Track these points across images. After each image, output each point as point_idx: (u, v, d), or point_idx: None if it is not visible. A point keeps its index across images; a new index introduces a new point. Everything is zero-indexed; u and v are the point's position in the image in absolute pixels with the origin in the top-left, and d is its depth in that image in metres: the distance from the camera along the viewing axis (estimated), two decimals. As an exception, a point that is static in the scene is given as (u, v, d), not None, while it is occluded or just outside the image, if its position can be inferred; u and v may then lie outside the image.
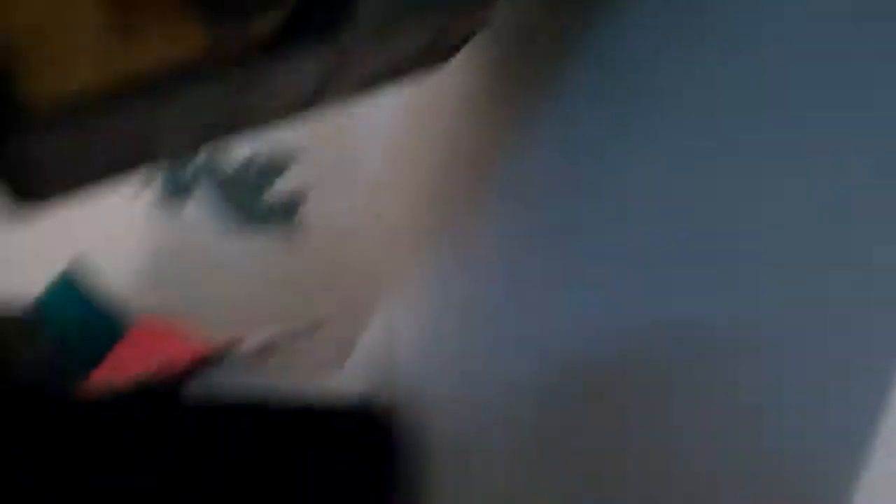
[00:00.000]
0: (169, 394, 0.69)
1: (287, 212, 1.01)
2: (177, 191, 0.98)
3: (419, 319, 0.74)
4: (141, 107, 0.34)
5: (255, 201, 1.00)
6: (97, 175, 0.40)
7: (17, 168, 0.35)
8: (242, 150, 0.97)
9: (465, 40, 0.44)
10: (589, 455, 0.43)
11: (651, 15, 0.41)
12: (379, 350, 0.81)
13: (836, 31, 0.30)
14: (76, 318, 0.90)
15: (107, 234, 1.04)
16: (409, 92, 0.53)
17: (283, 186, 0.99)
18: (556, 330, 0.47)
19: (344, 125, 0.91)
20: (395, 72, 0.44)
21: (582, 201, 0.45)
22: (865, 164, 0.28)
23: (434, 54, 0.44)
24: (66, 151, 0.35)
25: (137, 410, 0.61)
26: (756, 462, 0.31)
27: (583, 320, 0.44)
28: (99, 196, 0.45)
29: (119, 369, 0.83)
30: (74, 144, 0.35)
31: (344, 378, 0.80)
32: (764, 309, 0.31)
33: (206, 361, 0.71)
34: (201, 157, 0.96)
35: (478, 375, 0.59)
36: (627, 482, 0.39)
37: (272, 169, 0.99)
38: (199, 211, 1.00)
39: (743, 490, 0.32)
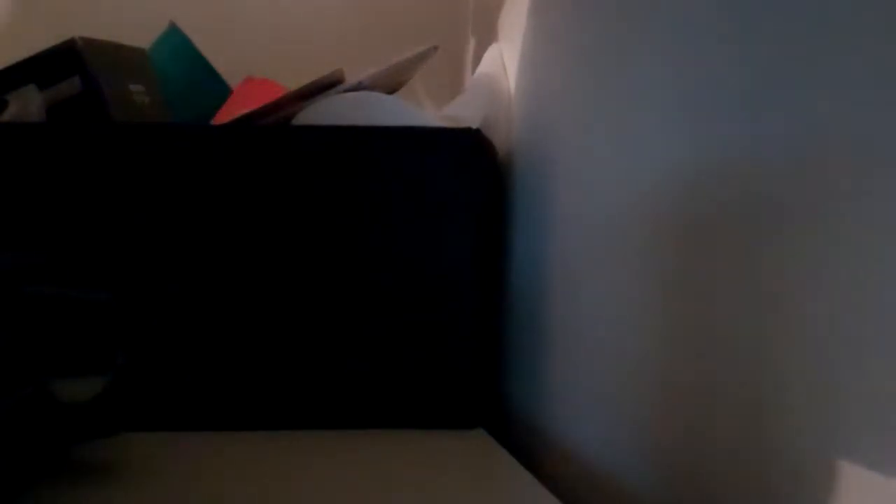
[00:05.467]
0: (280, 122, 0.73)
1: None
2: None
3: (528, 57, 0.75)
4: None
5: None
6: None
7: None
8: None
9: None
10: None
11: None
12: (490, 81, 0.82)
13: None
14: (182, 64, 0.92)
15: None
16: None
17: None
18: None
19: None
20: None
21: None
22: None
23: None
24: None
25: (253, 136, 0.66)
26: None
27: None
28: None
29: (231, 115, 0.87)
30: None
31: (456, 105, 0.82)
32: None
33: (313, 93, 0.74)
34: None
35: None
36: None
37: None
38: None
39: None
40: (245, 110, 0.83)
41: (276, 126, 0.69)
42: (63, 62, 0.74)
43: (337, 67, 0.76)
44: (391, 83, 0.80)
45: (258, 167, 0.67)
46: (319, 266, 0.67)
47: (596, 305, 0.56)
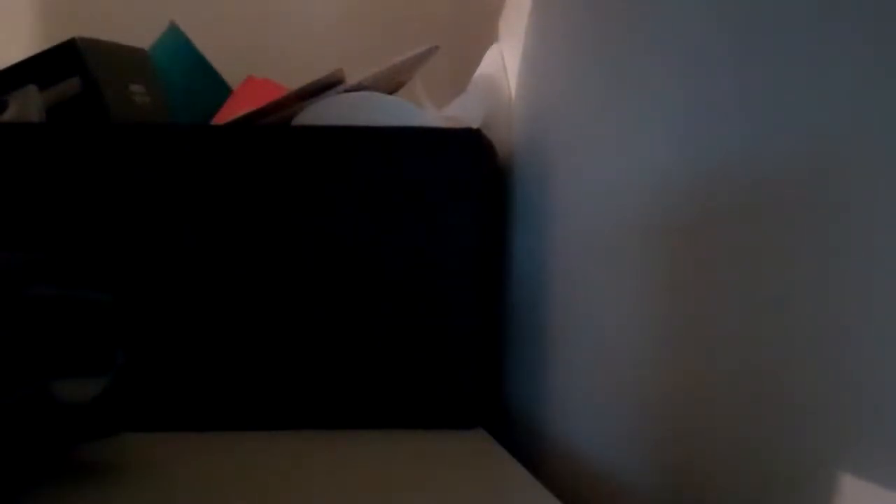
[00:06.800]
0: (281, 122, 0.73)
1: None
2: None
3: (528, 58, 0.75)
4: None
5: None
6: None
7: None
8: None
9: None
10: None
11: None
12: (490, 82, 0.82)
13: None
14: (182, 64, 0.92)
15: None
16: None
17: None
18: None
19: None
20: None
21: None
22: None
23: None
24: None
25: (253, 136, 0.66)
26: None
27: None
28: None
29: (232, 115, 0.87)
30: None
31: (456, 105, 0.82)
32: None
33: (313, 93, 0.74)
34: None
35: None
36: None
37: None
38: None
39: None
40: (245, 110, 0.83)
41: (276, 126, 0.69)
42: (63, 62, 0.74)
43: (337, 67, 0.76)
44: (391, 83, 0.80)
45: (258, 167, 0.67)
46: (318, 266, 0.67)
47: (596, 305, 0.56)
